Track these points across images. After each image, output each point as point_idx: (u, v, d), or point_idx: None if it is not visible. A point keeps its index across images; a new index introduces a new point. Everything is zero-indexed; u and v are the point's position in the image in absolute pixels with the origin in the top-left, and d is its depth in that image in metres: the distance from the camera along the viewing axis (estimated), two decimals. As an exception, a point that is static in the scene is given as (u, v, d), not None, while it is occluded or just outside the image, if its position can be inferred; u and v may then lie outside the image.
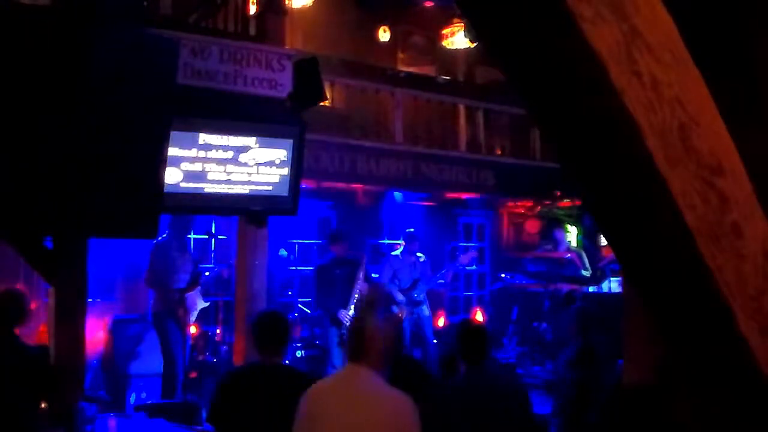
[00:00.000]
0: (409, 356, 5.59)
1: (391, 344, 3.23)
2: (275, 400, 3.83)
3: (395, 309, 8.47)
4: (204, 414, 6.16)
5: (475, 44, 10.49)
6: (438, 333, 9.48)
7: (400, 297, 8.55)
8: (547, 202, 11.78)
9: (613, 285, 9.33)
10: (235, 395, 3.96)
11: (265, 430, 3.84)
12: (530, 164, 11.34)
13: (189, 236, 7.84)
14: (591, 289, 9.38)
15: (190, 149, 6.55)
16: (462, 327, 4.41)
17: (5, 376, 4.39)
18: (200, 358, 8.06)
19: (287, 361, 7.82)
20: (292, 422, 3.23)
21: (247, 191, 6.89)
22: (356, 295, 7.79)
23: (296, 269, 10.00)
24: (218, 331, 8.38)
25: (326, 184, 9.70)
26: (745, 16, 1.67)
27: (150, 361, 7.37)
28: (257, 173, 6.91)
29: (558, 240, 9.70)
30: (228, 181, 6.78)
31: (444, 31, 11.22)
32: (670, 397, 1.87)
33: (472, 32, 9.62)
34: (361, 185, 10.04)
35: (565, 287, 9.19)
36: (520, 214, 12.36)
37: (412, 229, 9.09)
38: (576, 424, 5.11)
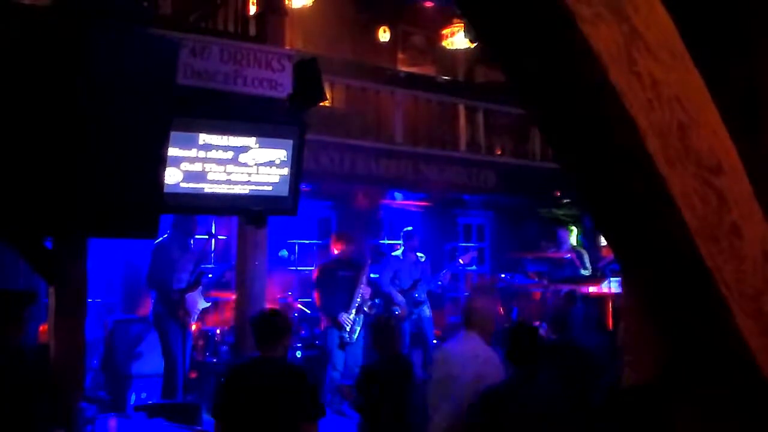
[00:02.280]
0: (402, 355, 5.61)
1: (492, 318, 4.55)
2: (272, 393, 4.05)
3: (396, 309, 8.46)
4: (204, 414, 6.17)
5: (475, 44, 10.49)
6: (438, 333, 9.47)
7: (400, 298, 8.53)
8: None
9: (613, 285, 9.32)
10: (234, 389, 4.13)
11: (264, 423, 4.03)
12: (530, 164, 11.34)
13: (193, 237, 7.84)
14: (591, 289, 9.37)
15: (190, 149, 6.55)
16: (512, 331, 4.33)
17: (5, 377, 4.39)
18: (200, 358, 8.05)
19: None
20: (288, 414, 3.98)
21: (247, 191, 6.88)
22: (358, 299, 7.77)
23: (296, 269, 10.00)
24: (218, 331, 8.38)
25: (326, 184, 9.69)
26: (745, 17, 1.67)
27: (150, 361, 7.37)
28: (257, 173, 6.90)
29: (562, 240, 9.70)
30: (228, 182, 6.77)
31: (444, 31, 11.23)
32: (670, 397, 1.87)
33: (472, 32, 9.62)
34: (361, 185, 10.03)
35: (565, 287, 9.19)
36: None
37: (410, 228, 9.09)
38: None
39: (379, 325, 5.24)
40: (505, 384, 4.09)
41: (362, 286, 7.82)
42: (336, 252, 8.13)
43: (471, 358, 4.30)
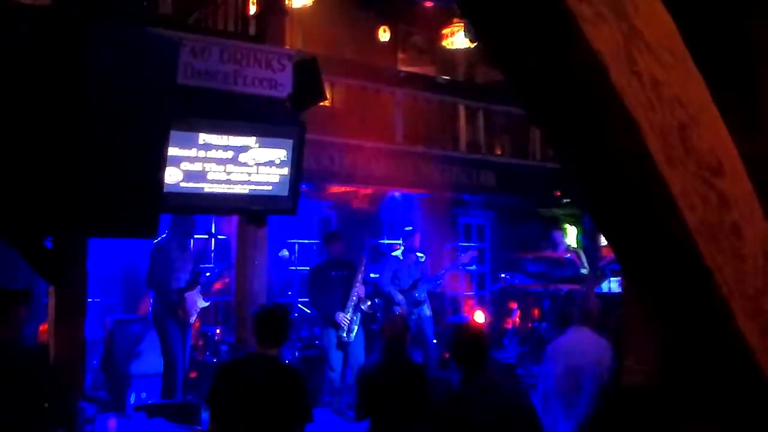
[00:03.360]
0: (411, 360, 5.61)
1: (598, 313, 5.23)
2: (264, 391, 4.08)
3: (396, 309, 8.45)
4: (204, 414, 6.17)
5: (475, 44, 10.49)
6: (438, 333, 9.47)
7: (400, 297, 8.53)
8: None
9: (613, 285, 9.32)
10: (226, 382, 4.18)
11: (253, 420, 4.06)
12: (530, 164, 11.34)
13: (192, 237, 7.83)
14: (591, 289, 9.36)
15: (190, 149, 6.55)
16: (458, 331, 4.37)
17: (5, 377, 4.39)
18: (200, 358, 8.05)
19: (287, 361, 7.85)
20: (279, 411, 4.05)
21: (247, 191, 6.88)
22: (354, 298, 7.76)
23: (296, 269, 10.00)
24: (218, 331, 8.38)
25: (326, 184, 9.69)
26: (745, 16, 1.67)
27: (150, 361, 7.37)
28: (257, 173, 6.91)
29: (556, 241, 9.70)
30: (228, 181, 6.78)
31: (444, 31, 11.21)
32: (670, 397, 1.87)
33: (472, 32, 9.62)
34: (361, 185, 10.03)
35: (565, 287, 9.19)
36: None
37: (410, 228, 9.09)
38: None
39: (394, 327, 5.20)
40: (452, 389, 4.13)
41: (358, 285, 7.81)
42: (326, 252, 8.11)
43: (592, 346, 4.94)
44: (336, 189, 10.15)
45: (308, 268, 9.94)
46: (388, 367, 5.02)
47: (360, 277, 7.84)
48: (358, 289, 7.79)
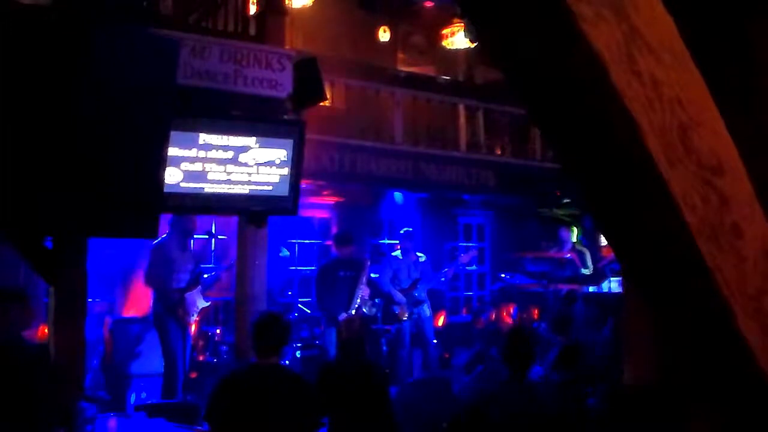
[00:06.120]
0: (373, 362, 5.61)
1: None
2: (270, 400, 3.98)
3: (395, 309, 8.46)
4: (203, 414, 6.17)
5: (475, 44, 10.49)
6: (438, 333, 9.47)
7: (400, 297, 8.54)
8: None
9: (613, 285, 9.33)
10: (231, 395, 4.05)
11: (260, 430, 3.95)
12: (530, 164, 11.34)
13: (192, 237, 7.84)
14: (591, 289, 9.37)
15: (190, 149, 6.55)
16: (510, 333, 4.35)
17: (5, 376, 4.38)
18: (200, 358, 8.05)
19: (287, 362, 7.85)
20: (286, 422, 3.88)
21: (247, 191, 6.89)
22: (358, 299, 7.78)
23: (296, 269, 10.00)
24: (218, 331, 8.38)
25: (326, 184, 9.69)
26: (745, 16, 1.67)
27: (150, 361, 7.37)
28: (257, 173, 6.91)
29: (563, 240, 9.70)
30: (228, 181, 6.78)
31: (444, 31, 11.22)
32: (671, 397, 1.87)
33: (472, 32, 9.62)
34: (361, 185, 10.04)
35: (565, 287, 9.19)
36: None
37: (409, 229, 9.09)
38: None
39: (350, 328, 5.15)
40: (493, 389, 4.12)
41: (362, 286, 7.82)
42: (336, 252, 8.13)
43: None
44: (336, 189, 10.15)
45: (308, 268, 9.97)
46: (343, 367, 5.01)
47: (364, 277, 7.86)
48: (363, 290, 7.82)
